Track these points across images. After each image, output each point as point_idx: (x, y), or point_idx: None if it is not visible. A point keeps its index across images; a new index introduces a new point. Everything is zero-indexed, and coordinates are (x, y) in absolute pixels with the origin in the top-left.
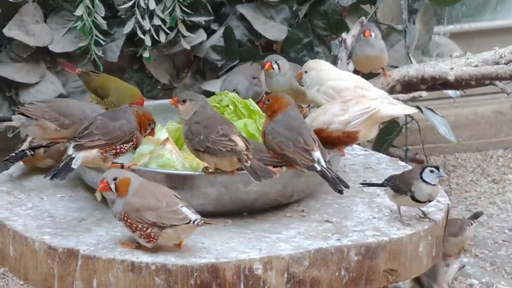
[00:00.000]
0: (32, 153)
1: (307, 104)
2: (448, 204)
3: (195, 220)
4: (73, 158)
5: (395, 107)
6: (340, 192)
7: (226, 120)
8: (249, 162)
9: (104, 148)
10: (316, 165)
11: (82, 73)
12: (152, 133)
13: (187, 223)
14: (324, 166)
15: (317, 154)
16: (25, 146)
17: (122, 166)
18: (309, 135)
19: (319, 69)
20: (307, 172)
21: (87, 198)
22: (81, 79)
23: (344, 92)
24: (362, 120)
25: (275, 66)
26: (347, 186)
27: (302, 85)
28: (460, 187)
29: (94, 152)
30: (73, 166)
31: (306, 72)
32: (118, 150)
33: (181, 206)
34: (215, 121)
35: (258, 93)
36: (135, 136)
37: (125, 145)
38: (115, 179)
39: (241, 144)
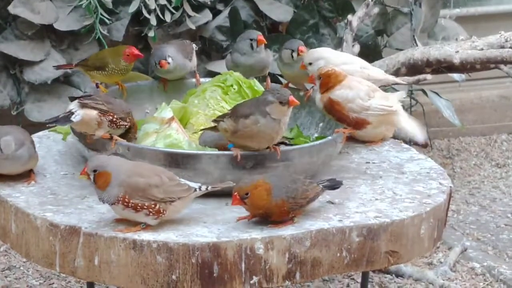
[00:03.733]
0: None
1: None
2: (451, 186)
3: (200, 187)
4: (74, 113)
5: (410, 122)
6: None
7: None
8: None
9: (104, 113)
10: None
11: (77, 64)
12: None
13: (194, 191)
14: None
15: None
16: None
17: (111, 137)
18: None
19: (327, 57)
20: None
21: None
22: (81, 70)
23: (355, 75)
24: (378, 115)
25: (170, 61)
26: None
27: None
28: (464, 171)
29: (94, 113)
30: (72, 119)
31: (310, 64)
32: (114, 119)
33: (179, 178)
34: None
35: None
36: (130, 119)
37: (121, 120)
38: (95, 170)
39: None
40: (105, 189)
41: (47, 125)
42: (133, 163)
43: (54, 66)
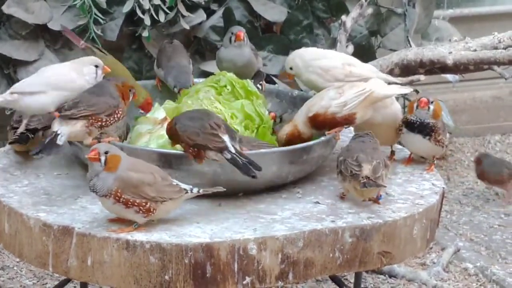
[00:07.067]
0: (32, 135)
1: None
2: (443, 187)
3: (192, 189)
4: (59, 134)
5: (390, 87)
6: (254, 177)
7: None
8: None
9: (90, 120)
10: (227, 149)
11: (87, 48)
12: (135, 96)
13: (186, 193)
14: (234, 151)
15: (226, 138)
16: (22, 128)
17: (99, 141)
18: (213, 121)
19: (302, 55)
20: (219, 159)
21: (83, 176)
22: (87, 50)
23: (333, 71)
24: (358, 102)
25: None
26: (259, 169)
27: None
28: (457, 172)
29: (79, 126)
30: (58, 142)
31: (291, 68)
32: (103, 123)
33: (172, 179)
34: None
35: None
36: (119, 109)
37: (109, 118)
38: (106, 152)
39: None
40: (115, 171)
41: (33, 156)
42: (132, 159)
43: (62, 26)
